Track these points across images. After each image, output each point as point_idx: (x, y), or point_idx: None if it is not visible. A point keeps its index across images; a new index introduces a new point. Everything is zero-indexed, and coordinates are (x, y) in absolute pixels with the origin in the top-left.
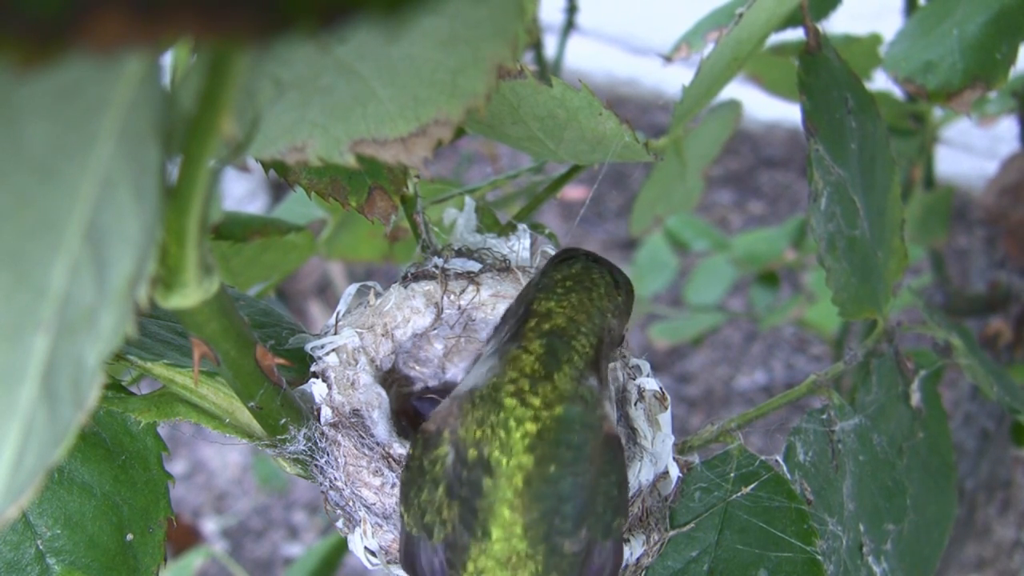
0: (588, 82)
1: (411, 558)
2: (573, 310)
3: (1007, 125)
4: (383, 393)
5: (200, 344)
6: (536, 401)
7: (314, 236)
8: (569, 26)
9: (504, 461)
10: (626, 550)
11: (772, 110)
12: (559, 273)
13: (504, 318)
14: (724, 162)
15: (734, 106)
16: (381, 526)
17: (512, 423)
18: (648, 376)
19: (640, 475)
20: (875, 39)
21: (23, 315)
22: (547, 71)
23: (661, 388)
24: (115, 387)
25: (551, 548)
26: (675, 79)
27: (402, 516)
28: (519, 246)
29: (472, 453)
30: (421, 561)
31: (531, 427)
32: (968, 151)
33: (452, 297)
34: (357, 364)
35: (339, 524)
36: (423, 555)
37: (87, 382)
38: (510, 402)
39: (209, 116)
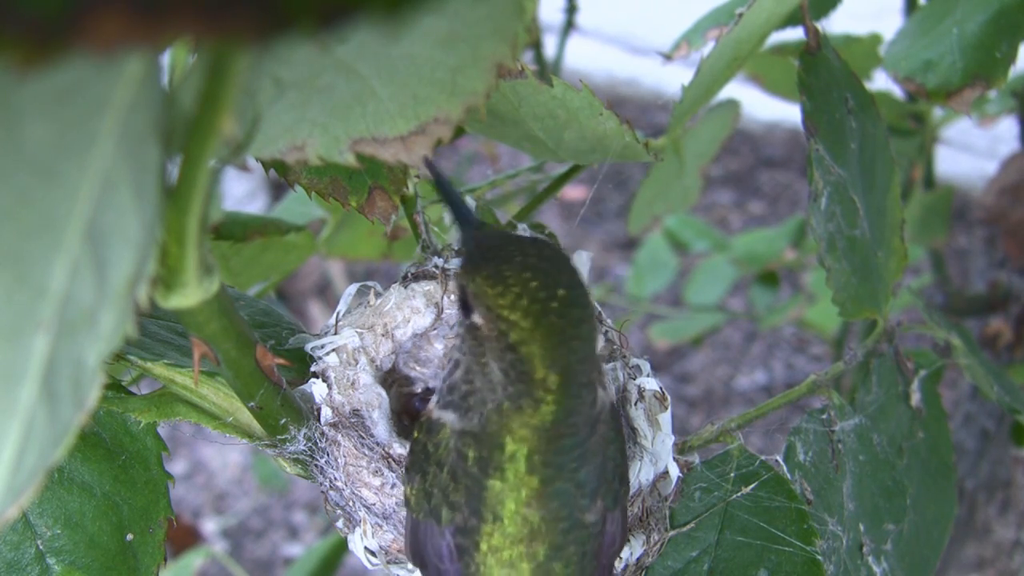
0: (588, 82)
1: (418, 546)
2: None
3: (1007, 125)
4: (383, 393)
5: (200, 344)
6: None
7: (314, 236)
8: (569, 26)
9: (509, 443)
10: (626, 550)
11: (772, 110)
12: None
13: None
14: (724, 162)
15: (733, 105)
16: (381, 526)
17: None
18: (648, 376)
19: (640, 475)
20: (875, 39)
21: (23, 315)
22: (547, 71)
23: (661, 388)
24: (115, 387)
25: (570, 520)
26: (675, 79)
27: (408, 501)
28: None
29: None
30: (428, 548)
31: (534, 420)
32: (968, 151)
33: (452, 297)
34: (357, 364)
35: (339, 524)
36: (430, 541)
37: (87, 382)
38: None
39: (209, 116)
